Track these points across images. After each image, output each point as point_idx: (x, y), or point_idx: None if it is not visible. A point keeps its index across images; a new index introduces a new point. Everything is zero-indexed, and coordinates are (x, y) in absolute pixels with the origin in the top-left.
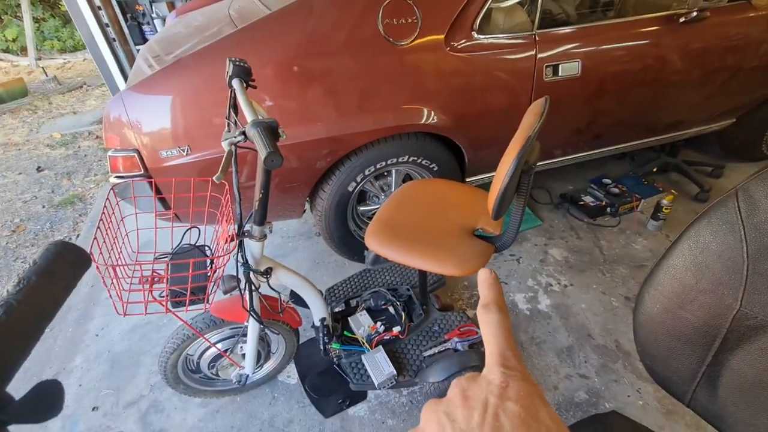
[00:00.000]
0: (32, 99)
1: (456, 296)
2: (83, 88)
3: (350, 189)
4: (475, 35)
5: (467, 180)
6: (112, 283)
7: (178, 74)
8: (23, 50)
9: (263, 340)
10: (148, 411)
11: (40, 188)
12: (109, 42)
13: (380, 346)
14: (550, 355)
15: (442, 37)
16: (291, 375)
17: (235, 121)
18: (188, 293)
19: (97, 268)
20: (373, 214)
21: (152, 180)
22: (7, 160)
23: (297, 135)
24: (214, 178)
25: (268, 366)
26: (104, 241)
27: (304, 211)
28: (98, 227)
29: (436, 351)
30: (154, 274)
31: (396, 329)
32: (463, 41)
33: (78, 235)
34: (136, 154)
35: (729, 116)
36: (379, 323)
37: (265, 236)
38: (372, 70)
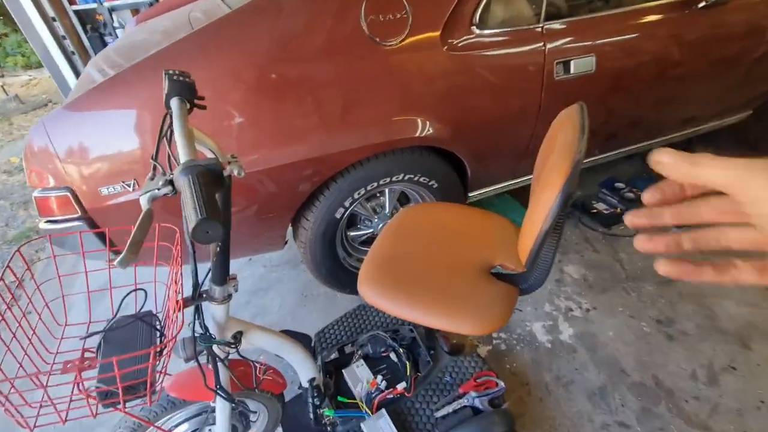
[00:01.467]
0: None
1: None
2: (48, 106)
3: (338, 216)
4: (476, 30)
5: (470, 195)
6: (11, 388)
7: (114, 92)
8: None
9: (240, 414)
10: None
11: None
12: (68, 56)
13: (383, 410)
14: (581, 398)
15: (438, 34)
16: None
17: (169, 159)
18: (121, 393)
19: None
20: (366, 239)
21: (93, 230)
22: None
23: (271, 158)
24: (115, 262)
25: None
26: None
27: (286, 242)
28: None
29: (450, 410)
30: (84, 359)
31: (401, 386)
32: (462, 38)
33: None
34: (69, 193)
35: (746, 108)
36: (379, 377)
37: (229, 296)
38: (355, 76)
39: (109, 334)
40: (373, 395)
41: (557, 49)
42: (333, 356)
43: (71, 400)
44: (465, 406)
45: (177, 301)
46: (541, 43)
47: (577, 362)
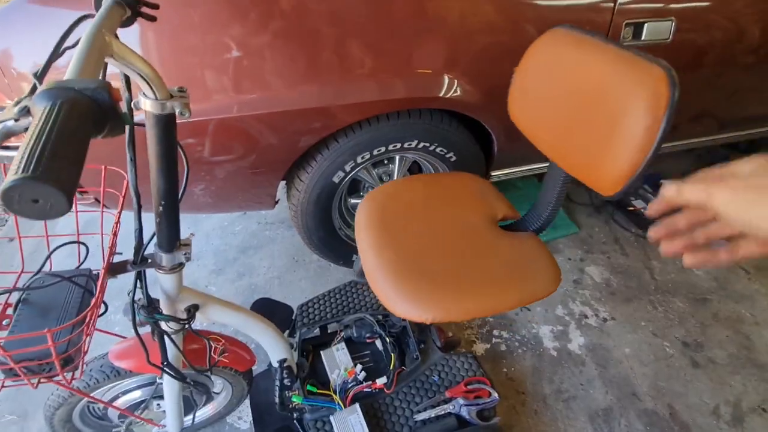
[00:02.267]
0: None
1: (464, 324)
2: None
3: (336, 180)
4: None
5: (493, 174)
6: None
7: None
8: None
9: (199, 385)
10: None
11: None
12: None
13: (356, 404)
14: (581, 418)
15: None
16: (243, 416)
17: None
18: (18, 370)
19: None
20: None
21: None
22: None
23: (272, 101)
24: None
25: (209, 411)
26: None
27: (277, 201)
28: None
29: (433, 415)
30: (2, 318)
31: (381, 381)
32: None
33: None
34: None
35: None
36: (359, 366)
37: (179, 265)
38: (382, 13)
39: (31, 294)
40: (349, 385)
41: (630, 7)
42: (314, 334)
43: None
44: (450, 414)
45: (111, 265)
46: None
47: (584, 377)
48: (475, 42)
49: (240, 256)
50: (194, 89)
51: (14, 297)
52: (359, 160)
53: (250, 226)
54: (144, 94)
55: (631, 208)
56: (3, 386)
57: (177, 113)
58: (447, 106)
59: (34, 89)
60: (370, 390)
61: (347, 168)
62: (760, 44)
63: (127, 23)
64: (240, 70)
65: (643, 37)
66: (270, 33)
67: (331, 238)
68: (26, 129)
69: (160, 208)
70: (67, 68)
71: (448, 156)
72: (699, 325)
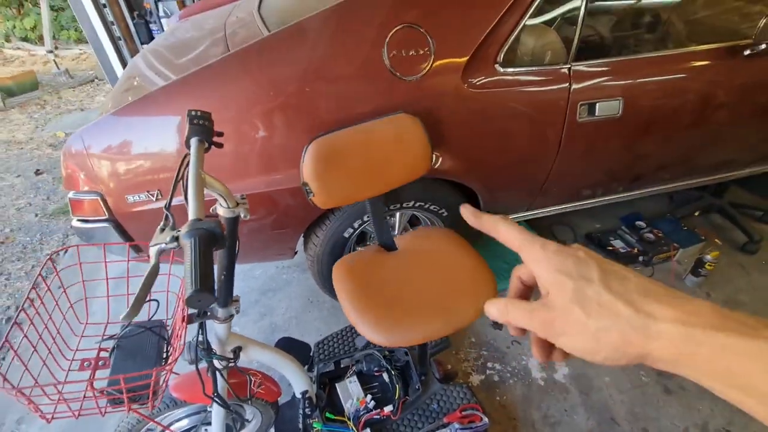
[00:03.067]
0: (42, 93)
1: (461, 356)
2: (94, 82)
3: (346, 235)
4: (499, 69)
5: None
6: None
7: (144, 111)
8: (41, 39)
9: (236, 416)
10: None
11: (36, 194)
12: (114, 41)
13: (368, 430)
14: None
15: (460, 71)
16: None
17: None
18: (126, 401)
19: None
20: None
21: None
22: (8, 159)
23: (287, 179)
24: (121, 317)
25: None
26: (36, 312)
27: (296, 252)
28: (28, 297)
29: None
30: (99, 360)
31: (388, 408)
32: (484, 76)
33: (61, 255)
34: (99, 198)
35: None
36: (369, 396)
37: (231, 317)
38: (379, 106)
39: (122, 341)
40: (361, 414)
41: (583, 90)
42: (329, 368)
43: (84, 397)
44: None
45: (183, 317)
46: (566, 84)
47: (568, 404)
48: (454, 123)
49: (261, 298)
50: (232, 172)
51: (108, 342)
52: (365, 218)
53: (268, 270)
54: (220, 204)
55: (610, 248)
56: (106, 412)
57: (242, 216)
58: (435, 175)
59: (167, 218)
60: (379, 417)
61: (355, 225)
62: (700, 109)
63: (206, 152)
64: (270, 156)
65: (597, 114)
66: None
67: None
68: (172, 248)
69: (222, 277)
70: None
71: (440, 212)
72: None
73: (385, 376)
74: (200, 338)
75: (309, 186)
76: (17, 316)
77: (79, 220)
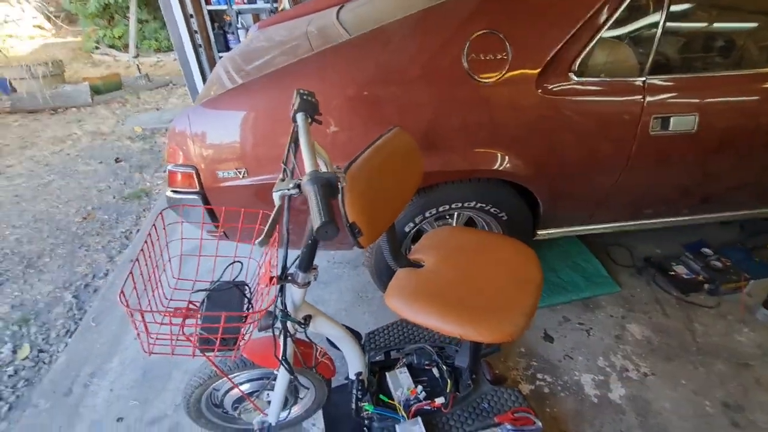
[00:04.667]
0: (124, 93)
1: (511, 364)
2: (169, 86)
3: (406, 230)
4: (573, 77)
5: (539, 233)
6: (141, 317)
7: (244, 96)
8: (126, 47)
9: (292, 387)
10: None
11: (115, 179)
12: (196, 48)
13: (418, 417)
14: None
15: (534, 76)
16: (317, 423)
17: (293, 169)
18: (217, 343)
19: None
20: None
21: (206, 206)
22: (93, 148)
23: None
24: (256, 242)
25: (294, 411)
26: (146, 263)
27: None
28: (141, 249)
29: None
30: (189, 309)
31: (439, 400)
32: (558, 83)
33: (133, 233)
34: (194, 171)
35: None
36: (419, 387)
37: (308, 283)
38: (448, 106)
39: (212, 294)
40: (412, 402)
41: (657, 103)
42: (379, 358)
43: (177, 340)
44: None
45: (270, 278)
46: (641, 96)
47: (624, 425)
48: (524, 126)
49: (314, 288)
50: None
51: (194, 296)
52: (426, 214)
53: (321, 264)
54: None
55: (672, 273)
56: (194, 356)
57: (341, 184)
58: (500, 176)
59: (284, 172)
60: (429, 408)
61: (416, 220)
62: None
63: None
64: (342, 147)
65: (670, 128)
66: (367, 120)
67: None
68: (292, 195)
69: (309, 241)
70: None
71: (500, 215)
72: (741, 388)
73: (435, 371)
74: (280, 299)
75: (358, 226)
76: (133, 264)
77: (172, 191)
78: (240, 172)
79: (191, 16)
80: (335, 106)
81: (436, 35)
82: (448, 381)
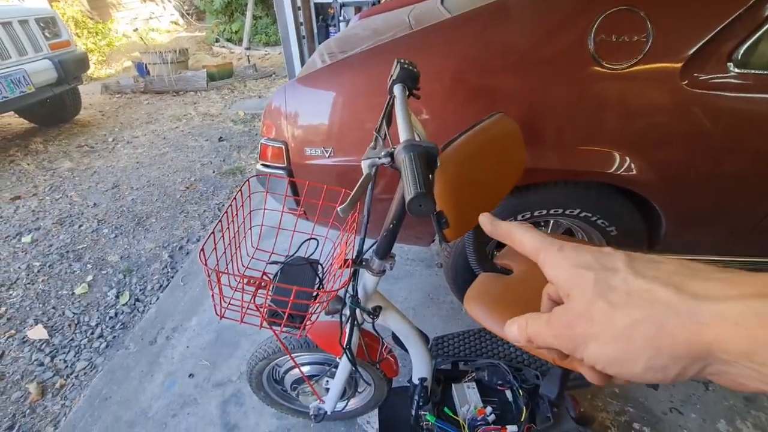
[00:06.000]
0: (234, 80)
1: (599, 404)
2: (272, 76)
3: None
4: (732, 69)
5: None
6: (217, 278)
7: (340, 72)
8: (241, 40)
9: (352, 379)
10: (230, 399)
11: (216, 155)
12: (299, 39)
13: None
14: None
15: (679, 65)
16: (371, 422)
17: (385, 136)
18: (285, 318)
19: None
20: None
21: (291, 179)
22: (202, 127)
23: None
24: (338, 209)
25: (351, 404)
26: (228, 227)
27: (434, 240)
28: (226, 211)
29: None
30: (263, 279)
31: (511, 429)
32: (711, 75)
33: (225, 206)
34: (283, 147)
35: None
36: (489, 408)
37: (383, 271)
38: (563, 94)
39: (286, 268)
40: (478, 423)
41: None
42: (446, 366)
43: (247, 308)
44: None
45: (345, 260)
46: None
47: None
48: (665, 127)
49: (383, 282)
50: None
51: (269, 268)
52: (519, 218)
53: None
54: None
55: None
56: (262, 326)
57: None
58: (616, 182)
59: (376, 140)
60: None
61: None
62: None
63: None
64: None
65: None
66: (463, 100)
67: None
68: (383, 164)
69: (390, 225)
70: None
71: (609, 229)
72: None
73: (509, 393)
74: (352, 285)
75: (445, 216)
76: (216, 224)
77: (262, 164)
78: (327, 151)
79: (299, 8)
80: (429, 92)
81: (558, 10)
82: (524, 409)
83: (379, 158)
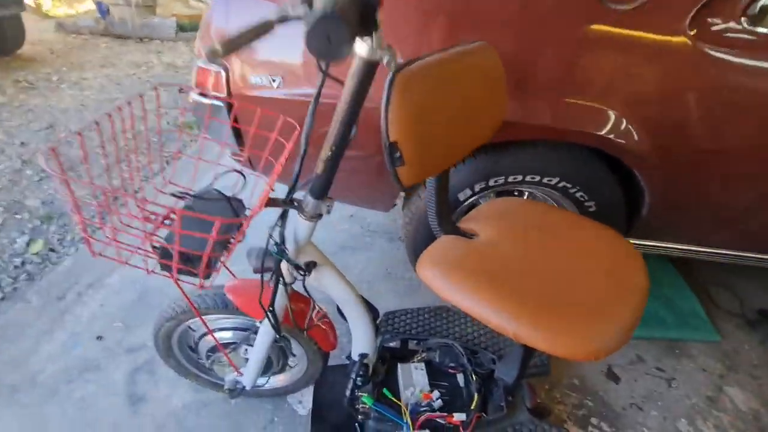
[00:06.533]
0: None
1: (557, 396)
2: None
3: (461, 197)
4: (744, 25)
5: (633, 242)
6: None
7: None
8: None
9: (281, 350)
10: (142, 367)
11: (174, 107)
12: None
13: (426, 431)
14: None
15: (688, 14)
16: (304, 401)
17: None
18: (174, 256)
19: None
20: None
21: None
22: (164, 77)
23: None
24: (204, 51)
25: (280, 380)
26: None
27: (395, 205)
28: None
29: None
30: (167, 215)
31: (458, 416)
32: (722, 29)
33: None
34: (223, 72)
35: None
36: (436, 393)
37: (318, 216)
38: (558, 34)
39: (195, 202)
40: (422, 409)
41: None
42: (394, 344)
43: (138, 248)
44: None
45: (270, 199)
46: None
47: None
48: (667, 86)
49: (338, 252)
50: None
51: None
52: (491, 183)
53: (353, 228)
54: (362, 39)
55: None
56: (151, 271)
57: (384, 62)
58: (602, 146)
59: None
60: (443, 423)
61: (476, 188)
62: None
63: None
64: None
65: None
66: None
67: None
68: (297, 17)
69: (329, 153)
70: None
71: (587, 204)
72: None
73: (460, 378)
74: (278, 230)
75: (400, 149)
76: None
77: (199, 93)
78: (274, 81)
79: None
80: (402, 19)
81: None
82: (475, 395)
83: (292, 7)
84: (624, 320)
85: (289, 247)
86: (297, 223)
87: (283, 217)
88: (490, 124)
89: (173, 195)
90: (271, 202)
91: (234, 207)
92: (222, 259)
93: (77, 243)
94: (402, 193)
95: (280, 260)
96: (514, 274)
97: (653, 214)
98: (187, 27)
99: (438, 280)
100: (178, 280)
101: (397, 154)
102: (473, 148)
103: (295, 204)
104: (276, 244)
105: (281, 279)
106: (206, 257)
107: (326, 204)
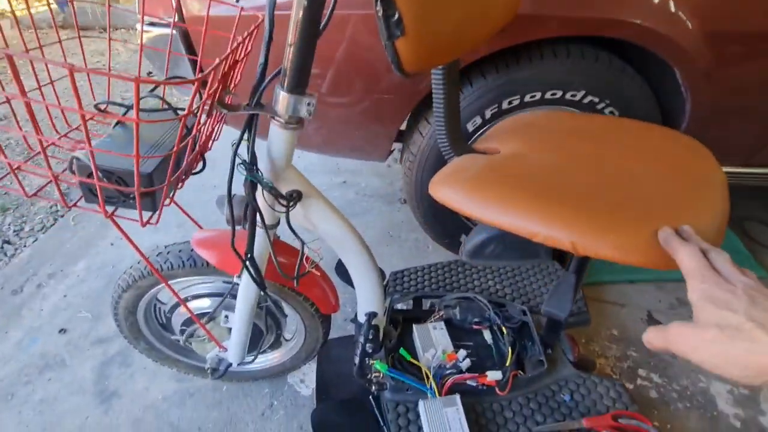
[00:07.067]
0: None
1: (595, 348)
2: None
3: (470, 128)
4: None
5: None
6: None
7: None
8: None
9: (272, 317)
10: (113, 359)
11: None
12: None
13: (456, 396)
14: None
15: None
16: (306, 380)
17: None
18: (95, 173)
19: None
20: None
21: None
22: (129, 63)
23: None
24: None
25: (275, 357)
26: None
27: (391, 152)
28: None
29: None
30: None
31: (492, 375)
32: None
33: None
34: None
35: None
36: (462, 352)
37: (299, 121)
38: None
39: (131, 115)
40: (448, 372)
41: None
42: (405, 306)
43: (55, 178)
44: None
45: (225, 102)
46: None
47: None
48: None
49: None
50: None
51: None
52: (505, 105)
53: (347, 194)
54: None
55: None
56: (73, 205)
57: None
58: (645, 44)
59: None
60: (475, 384)
61: (487, 114)
62: None
63: None
64: None
65: None
66: None
67: (444, 208)
68: None
69: (297, 34)
70: None
71: None
72: None
73: (487, 335)
74: (246, 144)
75: (398, 8)
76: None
77: (149, 23)
78: None
79: None
80: None
81: None
82: (509, 351)
83: None
84: (713, 209)
85: (266, 171)
86: (274, 135)
87: (250, 126)
88: (505, 12)
89: (96, 107)
90: (229, 107)
91: (186, 125)
92: (166, 192)
93: (37, 233)
94: (398, 144)
95: (254, 191)
96: (558, 180)
97: (692, 130)
98: None
99: (457, 195)
100: (113, 215)
101: (396, 17)
102: (488, 34)
103: (265, 107)
104: (244, 162)
105: (259, 216)
106: (138, 177)
107: (306, 101)
